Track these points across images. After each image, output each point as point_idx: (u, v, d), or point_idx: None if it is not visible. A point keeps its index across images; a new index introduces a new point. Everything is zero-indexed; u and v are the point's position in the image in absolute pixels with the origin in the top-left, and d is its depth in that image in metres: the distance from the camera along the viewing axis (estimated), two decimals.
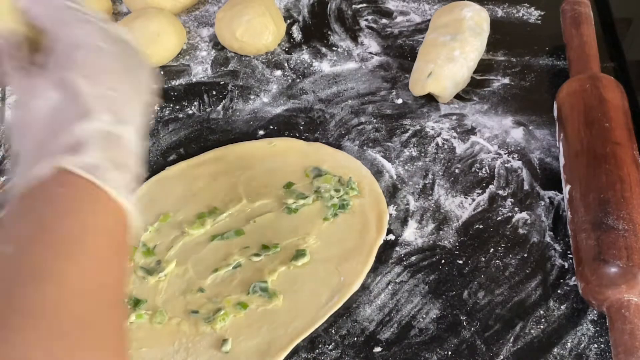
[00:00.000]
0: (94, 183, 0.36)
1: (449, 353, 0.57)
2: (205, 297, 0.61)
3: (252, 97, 0.79)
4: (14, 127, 0.40)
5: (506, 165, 0.71)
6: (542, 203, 0.67)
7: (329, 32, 0.86)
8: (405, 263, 0.63)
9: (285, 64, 0.82)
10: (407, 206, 0.67)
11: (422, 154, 0.72)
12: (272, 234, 0.65)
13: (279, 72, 0.81)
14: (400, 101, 0.77)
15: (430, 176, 0.70)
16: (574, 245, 0.61)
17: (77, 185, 0.36)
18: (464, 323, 0.59)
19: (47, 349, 0.31)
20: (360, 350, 0.58)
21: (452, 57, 0.75)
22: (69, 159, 0.36)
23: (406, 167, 0.71)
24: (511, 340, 0.58)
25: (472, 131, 0.74)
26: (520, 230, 0.65)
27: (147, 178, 0.69)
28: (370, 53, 0.83)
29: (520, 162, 0.71)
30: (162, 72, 0.82)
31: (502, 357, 0.57)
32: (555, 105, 0.73)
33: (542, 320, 0.59)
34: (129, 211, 0.37)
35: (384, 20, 0.87)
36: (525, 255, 0.63)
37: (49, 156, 0.36)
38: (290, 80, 0.80)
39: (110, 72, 0.41)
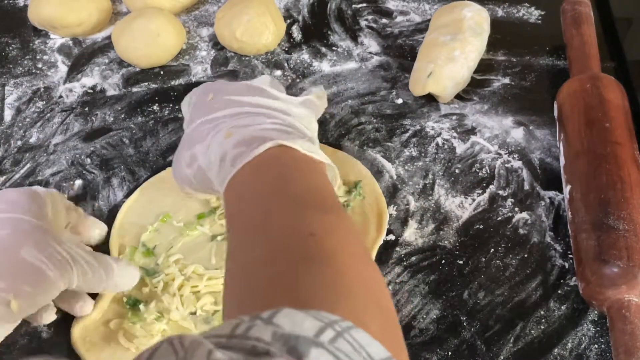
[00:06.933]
0: (304, 153, 0.53)
1: (449, 353, 0.57)
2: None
3: None
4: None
5: (506, 165, 0.71)
6: (543, 203, 0.67)
7: (329, 32, 0.86)
8: (405, 263, 0.63)
9: (285, 64, 0.82)
10: (407, 206, 0.67)
11: (422, 154, 0.72)
12: None
13: (279, 72, 0.81)
14: (400, 101, 0.77)
15: (430, 176, 0.70)
16: (574, 245, 0.61)
17: (295, 153, 0.53)
18: (464, 323, 0.59)
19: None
20: None
21: (452, 57, 0.75)
22: (287, 141, 0.53)
23: (406, 167, 0.71)
24: (511, 341, 0.58)
25: (472, 131, 0.74)
26: (521, 231, 0.65)
27: (147, 178, 0.69)
28: (370, 53, 0.83)
29: (520, 162, 0.71)
30: (161, 72, 0.81)
31: (502, 357, 0.57)
32: (555, 105, 0.73)
33: (543, 320, 0.59)
34: (326, 162, 0.55)
35: (384, 20, 0.87)
36: (526, 255, 0.63)
37: (269, 139, 0.52)
38: (290, 80, 0.80)
39: None
